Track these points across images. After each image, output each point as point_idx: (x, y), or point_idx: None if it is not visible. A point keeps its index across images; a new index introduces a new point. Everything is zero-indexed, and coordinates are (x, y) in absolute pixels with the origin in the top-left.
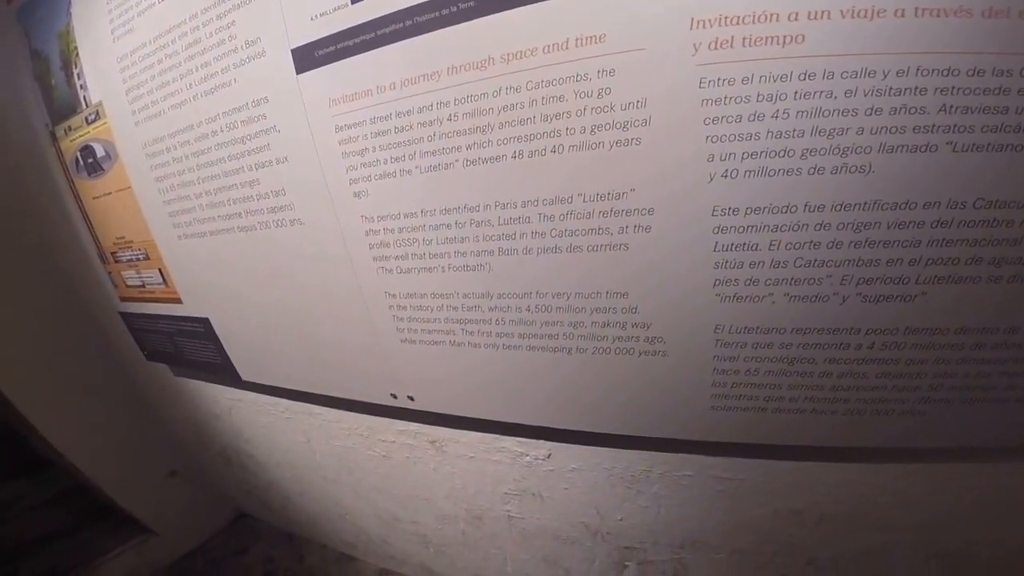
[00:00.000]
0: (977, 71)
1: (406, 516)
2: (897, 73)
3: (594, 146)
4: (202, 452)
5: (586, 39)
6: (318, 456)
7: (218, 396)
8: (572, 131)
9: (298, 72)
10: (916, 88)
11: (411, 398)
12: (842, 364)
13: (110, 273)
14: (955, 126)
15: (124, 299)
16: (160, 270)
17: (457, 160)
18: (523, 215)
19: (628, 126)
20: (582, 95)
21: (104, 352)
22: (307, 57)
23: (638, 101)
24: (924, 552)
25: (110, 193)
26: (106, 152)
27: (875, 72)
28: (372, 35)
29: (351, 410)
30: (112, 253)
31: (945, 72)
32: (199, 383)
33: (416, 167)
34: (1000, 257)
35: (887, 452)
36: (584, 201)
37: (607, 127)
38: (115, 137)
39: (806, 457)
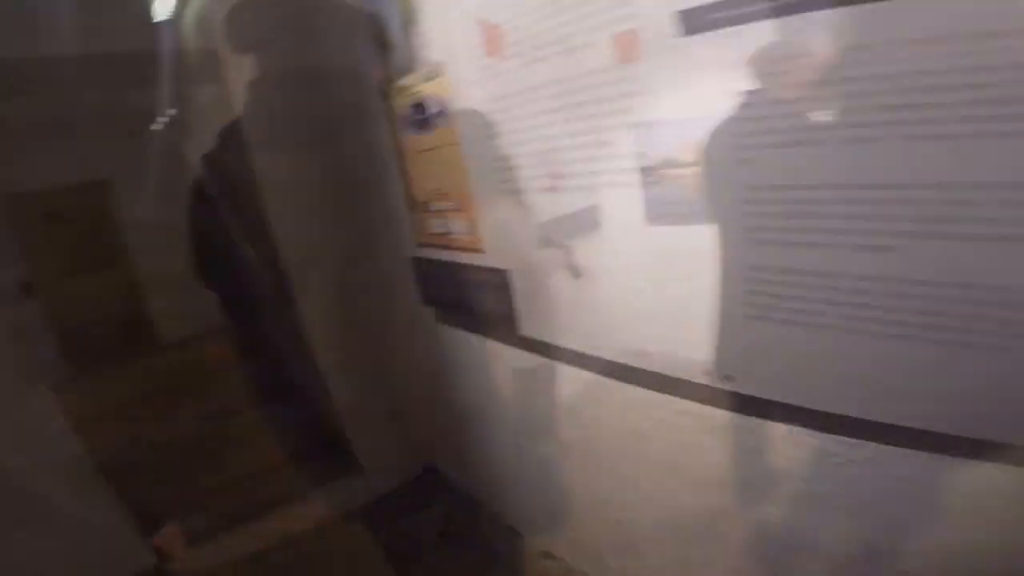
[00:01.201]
0: None
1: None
2: None
3: None
4: (431, 401)
5: None
6: (597, 431)
7: (480, 348)
8: None
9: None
10: None
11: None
12: None
13: (414, 220)
14: None
15: (421, 244)
16: (470, 222)
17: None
18: (969, 197)
19: None
20: None
21: (383, 291)
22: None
23: None
24: None
25: (433, 148)
26: (439, 109)
27: None
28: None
29: (637, 384)
30: (424, 202)
31: None
32: (462, 333)
33: (831, 137)
34: None
35: None
36: None
37: None
38: (453, 95)
39: None
